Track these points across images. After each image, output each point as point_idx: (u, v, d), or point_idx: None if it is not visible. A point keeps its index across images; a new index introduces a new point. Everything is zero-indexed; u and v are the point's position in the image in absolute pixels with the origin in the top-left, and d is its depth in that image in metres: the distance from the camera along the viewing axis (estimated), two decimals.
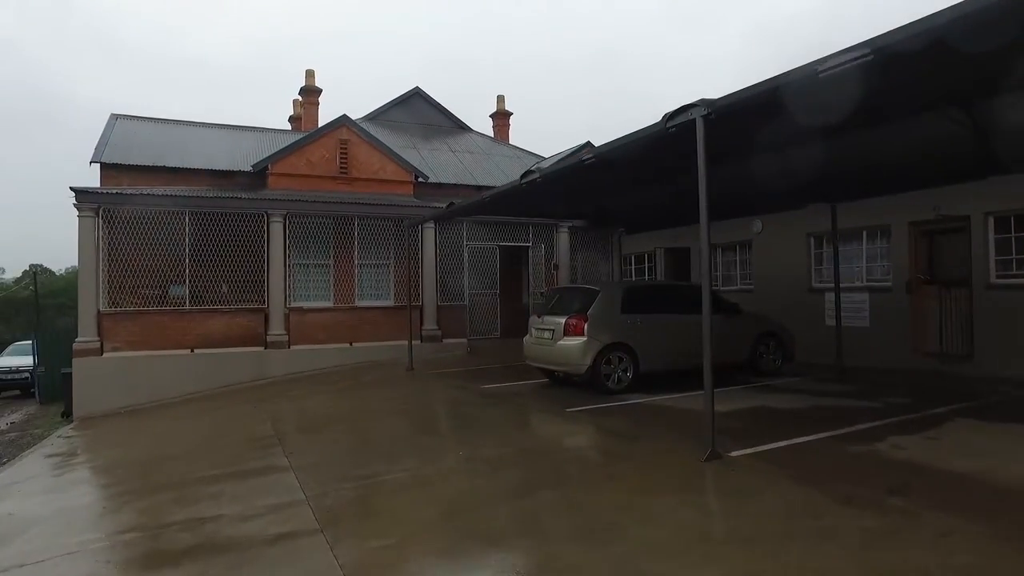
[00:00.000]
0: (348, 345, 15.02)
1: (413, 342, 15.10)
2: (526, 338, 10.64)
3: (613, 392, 9.31)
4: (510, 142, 25.37)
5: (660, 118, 6.35)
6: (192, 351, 13.49)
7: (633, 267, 18.56)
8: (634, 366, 9.50)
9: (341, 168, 16.94)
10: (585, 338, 9.23)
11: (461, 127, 24.84)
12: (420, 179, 18.34)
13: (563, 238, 17.99)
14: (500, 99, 26.44)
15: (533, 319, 10.53)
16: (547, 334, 9.85)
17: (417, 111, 23.78)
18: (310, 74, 22.22)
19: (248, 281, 14.20)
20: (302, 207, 14.76)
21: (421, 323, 15.93)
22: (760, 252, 14.30)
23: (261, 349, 14.07)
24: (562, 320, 9.52)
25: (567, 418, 7.98)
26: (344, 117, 17.03)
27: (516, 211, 15.13)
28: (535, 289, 17.85)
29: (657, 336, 9.70)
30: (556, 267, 17.71)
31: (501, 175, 20.14)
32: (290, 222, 14.71)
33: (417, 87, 23.88)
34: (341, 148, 16.93)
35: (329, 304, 15.27)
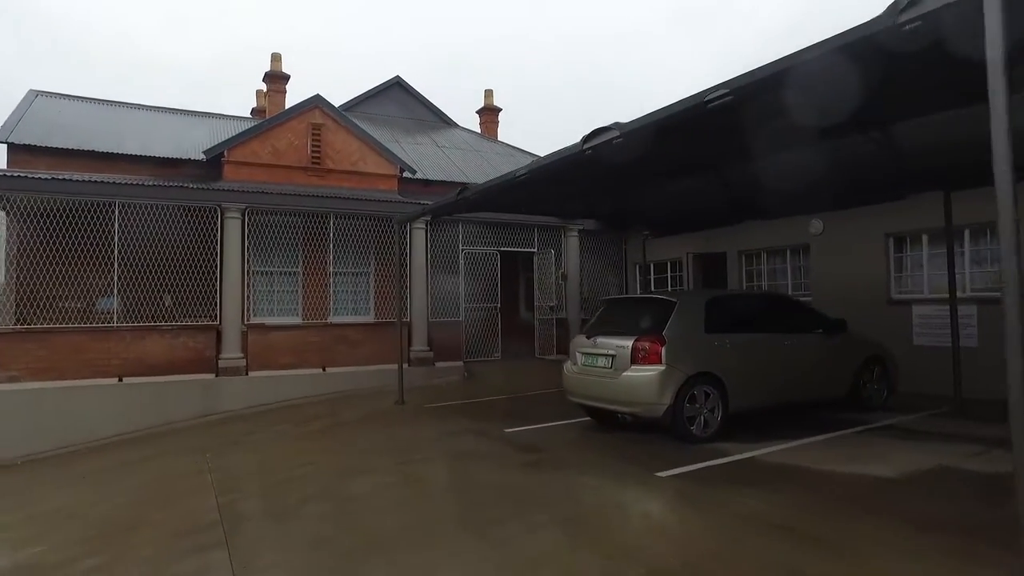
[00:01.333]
0: (320, 370, 12.23)
1: (403, 365, 12.43)
2: (567, 367, 8.04)
3: (699, 440, 6.79)
4: (499, 140, 22.90)
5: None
6: (120, 380, 10.55)
7: (652, 277, 16.16)
8: (722, 403, 7.00)
9: (313, 157, 14.19)
10: (663, 367, 6.69)
11: (446, 122, 22.28)
12: (406, 174, 15.69)
13: (572, 243, 15.51)
14: (488, 93, 23.99)
15: (578, 341, 7.93)
16: (603, 362, 7.27)
17: (397, 103, 21.14)
18: (276, 58, 19.35)
19: (196, 292, 11.33)
20: (265, 200, 11.97)
21: (409, 343, 13.22)
22: (820, 257, 12.00)
23: (211, 376, 11.18)
24: (627, 343, 6.96)
25: (669, 494, 5.33)
26: (317, 97, 14.31)
27: (525, 207, 12.58)
28: (542, 302, 15.28)
29: (751, 363, 7.25)
30: (564, 277, 15.21)
31: (494, 173, 17.50)
32: (250, 219, 11.92)
33: (397, 76, 21.26)
34: (313, 134, 14.18)
35: (297, 320, 12.48)
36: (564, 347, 15.10)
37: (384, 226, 13.11)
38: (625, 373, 6.89)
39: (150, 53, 79.89)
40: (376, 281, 13.47)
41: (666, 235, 14.29)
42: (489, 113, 23.80)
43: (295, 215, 12.38)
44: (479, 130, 23.28)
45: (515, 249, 14.97)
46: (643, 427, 7.31)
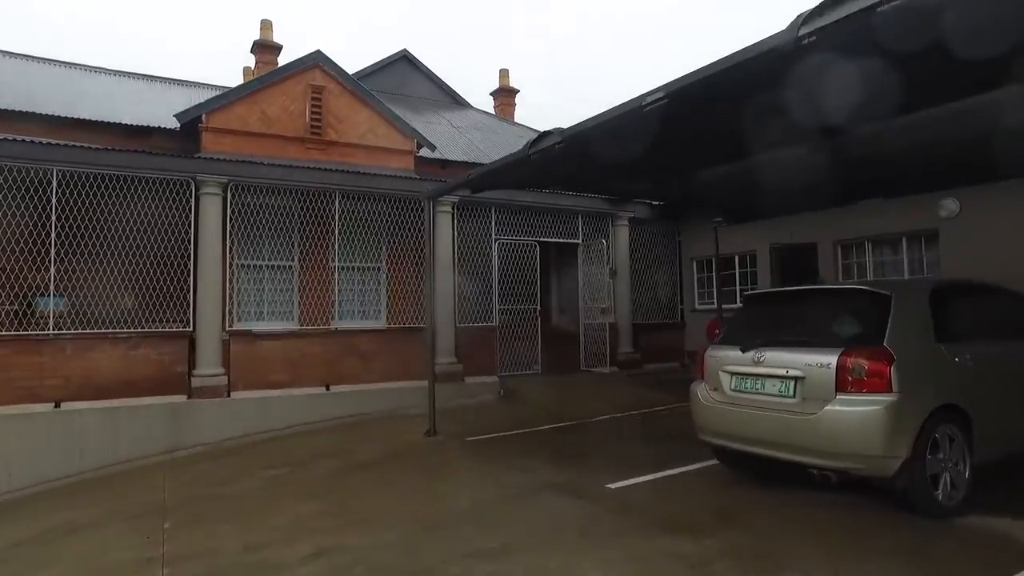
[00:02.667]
0: (323, 389, 9.62)
1: (422, 382, 9.91)
2: (702, 392, 5.46)
3: (947, 512, 4.27)
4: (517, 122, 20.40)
5: None
6: (57, 406, 7.90)
7: (713, 274, 13.64)
8: (968, 451, 4.46)
9: (312, 127, 11.63)
10: (894, 396, 4.15)
11: (458, 102, 19.76)
12: (423, 152, 13.14)
13: (622, 234, 12.99)
14: (504, 73, 21.53)
15: (724, 356, 5.31)
16: (778, 387, 4.72)
17: (404, 80, 18.59)
18: (266, 26, 16.74)
19: (164, 289, 8.72)
20: (252, 172, 9.36)
21: (432, 354, 10.63)
22: (954, 246, 9.52)
23: (181, 399, 8.54)
24: (828, 359, 4.39)
25: None
26: (319, 54, 11.75)
27: (589, 180, 10.08)
28: (590, 303, 12.73)
29: (1002, 388, 4.73)
30: (613, 273, 12.66)
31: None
32: (234, 198, 9.32)
33: (405, 50, 18.73)
34: (313, 98, 11.62)
35: (293, 326, 9.88)
36: (618, 358, 12.58)
37: (400, 210, 10.56)
38: (828, 407, 4.32)
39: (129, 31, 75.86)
40: (389, 278, 10.90)
41: (744, 222, 11.77)
42: (505, 95, 21.34)
43: (290, 195, 9.79)
44: (493, 113, 20.81)
45: (557, 240, 12.43)
46: (829, 482, 4.74)
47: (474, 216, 11.41)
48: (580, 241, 12.70)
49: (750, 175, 10.35)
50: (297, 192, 9.78)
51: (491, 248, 11.56)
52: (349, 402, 9.67)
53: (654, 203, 13.82)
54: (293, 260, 10.29)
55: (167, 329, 8.63)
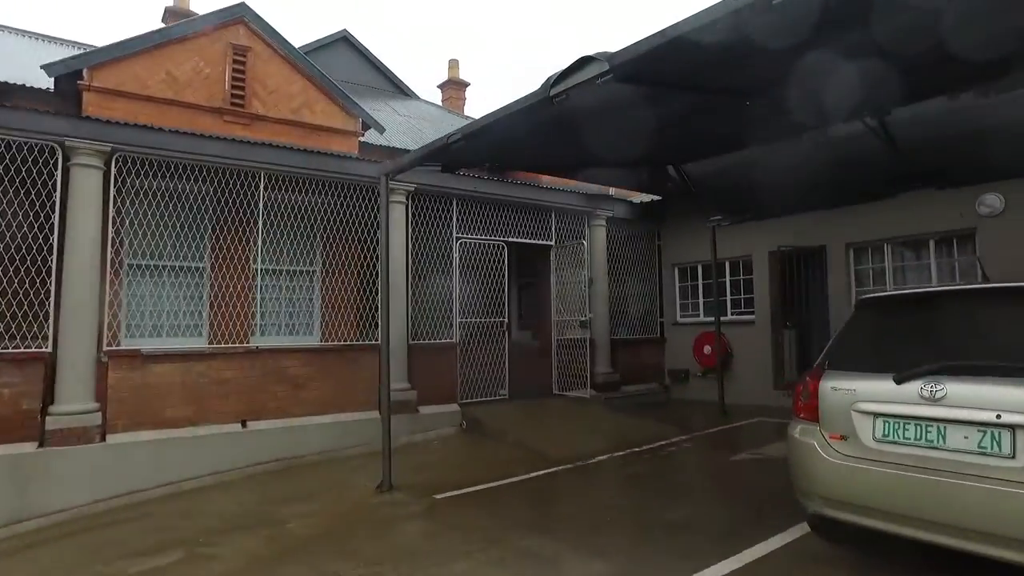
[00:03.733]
0: (239, 426, 7.39)
1: (368, 414, 7.97)
2: (816, 441, 3.66)
3: None
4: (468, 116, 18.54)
5: None
6: None
7: (698, 282, 12.10)
8: None
9: (234, 96, 9.42)
10: None
11: (404, 91, 17.75)
12: (367, 138, 11.08)
13: (599, 235, 11.29)
14: (453, 64, 19.68)
15: (867, 388, 3.51)
16: (981, 441, 2.99)
17: (344, 64, 16.40)
18: None
19: (9, 296, 6.33)
20: (147, 141, 7.09)
21: (380, 378, 8.57)
22: (997, 247, 8.26)
23: (29, 448, 6.14)
24: None
25: None
26: (242, 6, 9.55)
27: (560, 161, 8.30)
28: (566, 315, 10.93)
29: None
30: (590, 281, 10.92)
31: None
32: (122, 176, 7.03)
33: (345, 31, 16.56)
34: (236, 60, 9.41)
35: (200, 344, 7.63)
36: (595, 379, 10.80)
37: (341, 201, 8.49)
38: None
39: None
40: (326, 286, 8.78)
41: (743, 221, 10.26)
42: (454, 87, 19.48)
43: (202, 176, 7.54)
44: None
45: (527, 240, 10.58)
46: None
47: (432, 209, 9.44)
48: (553, 242, 10.91)
49: (748, 168, 8.89)
50: (210, 172, 7.54)
51: (452, 249, 9.61)
52: (274, 442, 7.48)
53: (635, 201, 12.22)
54: (203, 260, 8.05)
55: (12, 350, 6.23)
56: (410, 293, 9.07)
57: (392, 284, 8.65)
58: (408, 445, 8.13)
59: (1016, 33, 4.90)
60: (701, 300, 11.97)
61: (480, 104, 45.23)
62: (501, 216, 10.22)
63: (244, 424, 7.41)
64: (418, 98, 18.08)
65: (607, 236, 11.47)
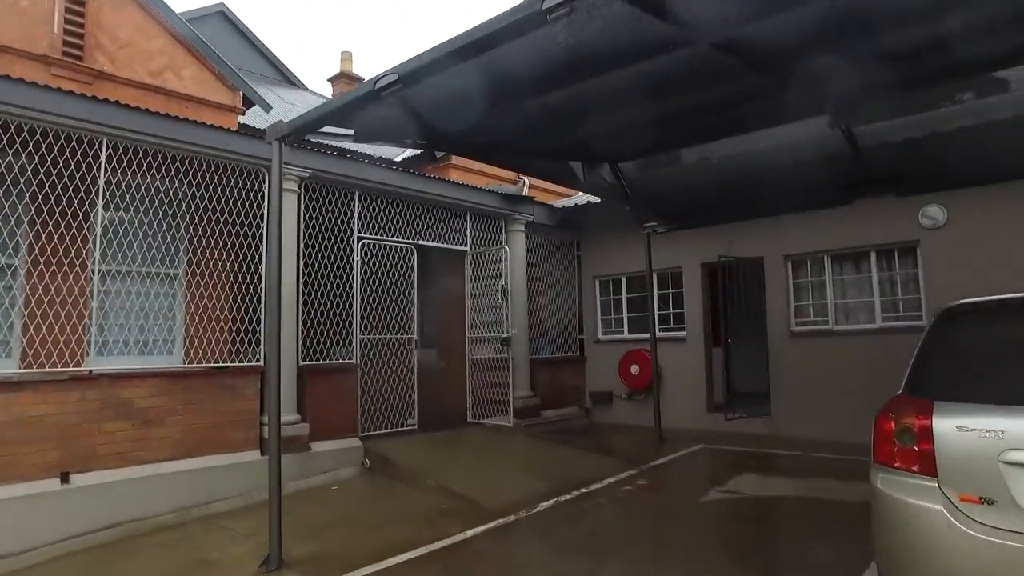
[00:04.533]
0: (58, 482, 5.37)
1: (245, 455, 6.27)
2: (946, 505, 2.55)
3: None
4: None
5: None
6: None
7: (624, 296, 11.16)
8: None
9: (68, 42, 7.33)
10: None
11: (290, 80, 15.80)
12: (248, 119, 9.23)
13: (517, 242, 10.08)
14: (346, 56, 17.91)
15: (1020, 430, 2.46)
16: None
17: (220, 42, 14.14)
18: None
19: None
20: None
21: (262, 407, 6.80)
22: (941, 261, 7.87)
23: None
24: None
25: None
26: None
27: (511, 138, 7.01)
28: (483, 331, 9.58)
29: None
30: (505, 293, 9.65)
31: (373, 146, 11.56)
32: None
33: (222, 4, 14.43)
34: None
35: (8, 369, 5.54)
36: (514, 404, 9.48)
37: (214, 186, 6.69)
38: None
39: None
40: (191, 292, 6.90)
41: (680, 228, 9.41)
42: (346, 81, 17.69)
43: (13, 141, 5.50)
44: None
45: (439, 244, 9.17)
46: None
47: (330, 203, 7.81)
48: (468, 248, 9.56)
49: (689, 170, 8.09)
50: (27, 136, 5.52)
51: (352, 251, 8.01)
52: (111, 501, 5.53)
53: (556, 205, 11.14)
54: (15, 257, 5.98)
55: None
56: (301, 303, 7.37)
57: (276, 290, 6.97)
58: (299, 494, 6.42)
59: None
60: (625, 315, 11.03)
61: None
62: (410, 215, 8.76)
63: (65, 479, 5.40)
64: (306, 88, 16.19)
65: (527, 243, 10.29)
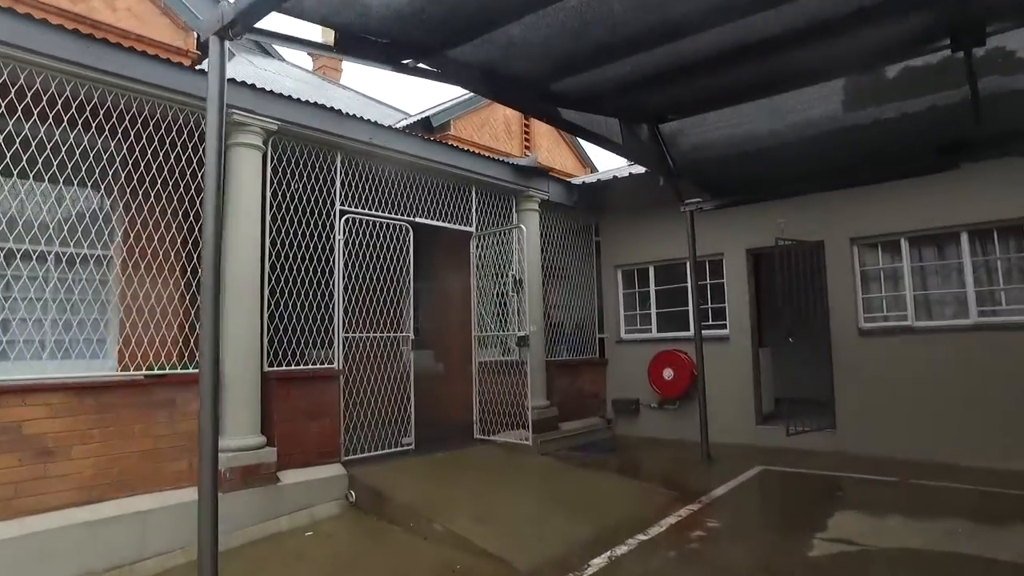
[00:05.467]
0: None
1: (194, 490, 4.46)
2: None
3: None
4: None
5: None
6: None
7: (652, 289, 9.61)
8: None
9: None
10: None
11: (263, 48, 14.10)
12: (206, 65, 7.56)
13: (531, 222, 8.51)
14: (328, 30, 16.19)
15: None
16: None
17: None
18: None
19: None
20: None
21: (215, 430, 5.17)
22: None
23: None
24: None
25: None
26: None
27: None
28: (491, 327, 8.02)
29: None
30: (519, 283, 8.08)
31: (372, 114, 9.84)
32: None
33: None
34: None
35: None
36: (529, 416, 7.90)
37: (160, 141, 5.07)
38: None
39: None
40: (128, 279, 5.25)
41: (739, 204, 7.85)
42: (329, 60, 16.03)
43: None
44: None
45: (440, 224, 7.58)
46: None
47: (306, 165, 6.21)
48: (475, 229, 7.97)
49: (742, 132, 6.60)
50: None
51: (334, 227, 6.39)
52: None
53: (574, 181, 9.59)
54: None
55: None
56: (267, 292, 5.74)
57: (231, 275, 5.35)
58: (262, 543, 4.80)
59: None
60: (653, 311, 9.49)
61: (357, 83, 40.65)
62: (406, 186, 7.17)
63: None
64: (283, 60, 14.51)
65: (541, 225, 8.73)
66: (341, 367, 6.26)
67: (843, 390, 7.60)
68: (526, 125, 12.27)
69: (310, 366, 6.05)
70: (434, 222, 7.48)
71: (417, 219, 7.24)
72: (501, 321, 8.15)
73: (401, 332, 7.04)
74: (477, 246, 8.03)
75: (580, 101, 5.80)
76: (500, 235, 8.00)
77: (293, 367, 5.88)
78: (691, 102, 6.12)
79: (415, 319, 7.28)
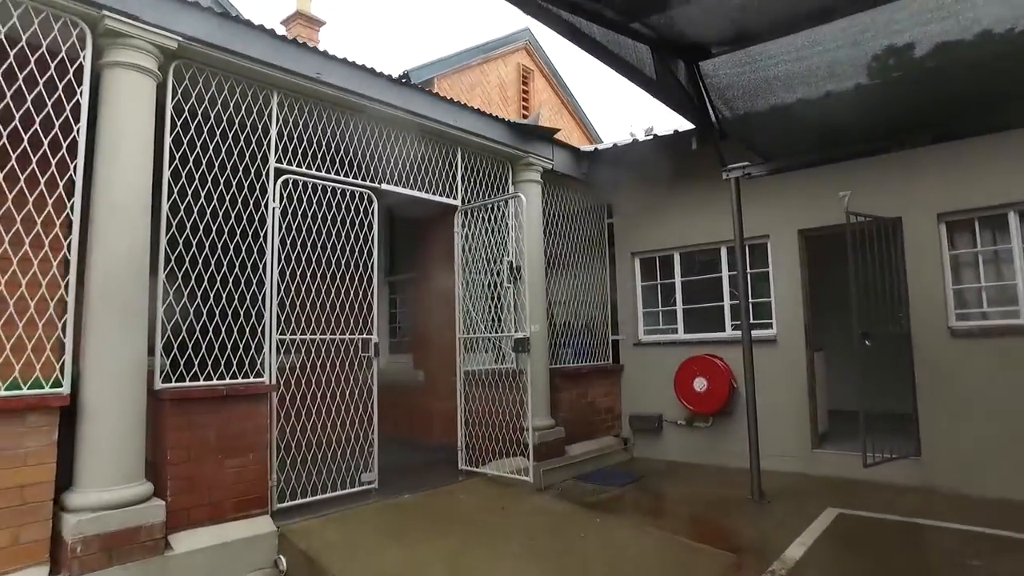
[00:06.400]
0: None
1: (35, 571, 2.76)
2: None
3: None
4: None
5: None
6: None
7: (678, 281, 7.93)
8: None
9: None
10: None
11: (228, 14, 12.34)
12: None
13: (531, 195, 6.81)
14: None
15: None
16: None
17: None
18: None
19: None
20: None
21: (70, 478, 3.52)
22: None
23: None
24: None
25: None
26: None
27: None
28: (475, 331, 6.34)
29: None
30: (517, 271, 6.38)
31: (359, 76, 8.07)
32: None
33: None
34: None
35: None
36: (535, 440, 6.21)
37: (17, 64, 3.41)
38: None
39: None
40: None
41: (802, 167, 6.14)
42: (304, 23, 14.34)
43: None
44: None
45: (415, 193, 5.89)
46: None
47: (226, 106, 4.52)
48: (460, 202, 6.29)
49: (800, 68, 5.00)
50: None
51: (267, 192, 4.71)
52: None
53: (584, 148, 7.92)
54: None
55: None
56: (164, 280, 4.06)
57: (105, 253, 3.67)
58: None
59: None
60: (679, 307, 7.82)
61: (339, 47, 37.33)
62: (370, 143, 5.48)
63: None
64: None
65: (544, 199, 7.07)
66: (273, 381, 4.57)
67: (929, 406, 5.96)
68: (524, 89, 10.57)
69: (227, 381, 4.36)
70: (407, 190, 5.79)
71: (384, 186, 5.56)
72: (494, 320, 6.47)
73: (363, 334, 5.35)
74: (463, 223, 6.34)
75: (603, 18, 4.17)
76: (492, 209, 6.32)
77: (201, 383, 4.19)
78: (743, 28, 4.50)
79: (382, 316, 5.60)
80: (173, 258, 4.15)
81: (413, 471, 5.72)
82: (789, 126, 5.70)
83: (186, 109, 4.31)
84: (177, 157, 4.19)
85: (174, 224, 4.15)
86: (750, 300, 7.13)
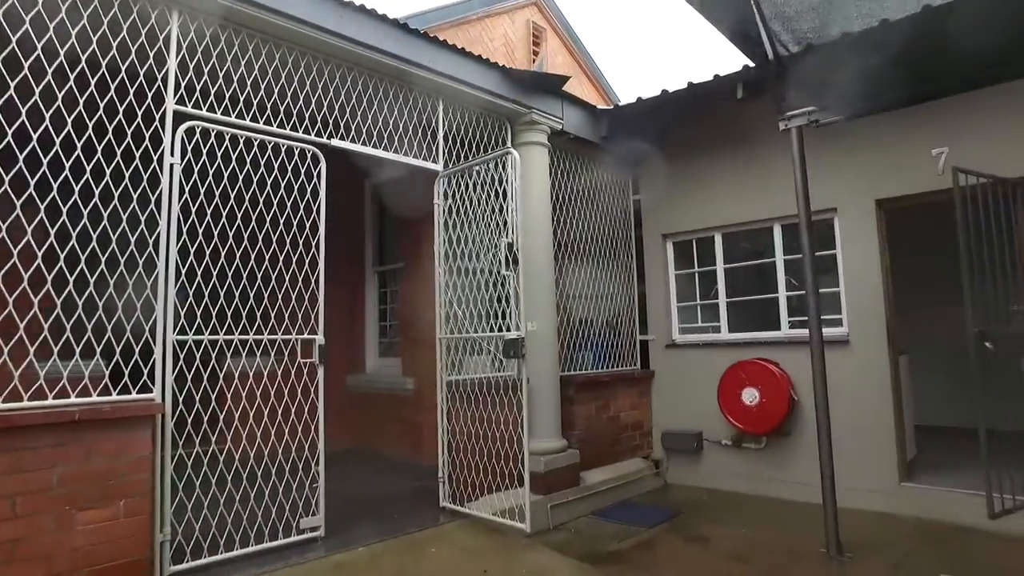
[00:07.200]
0: None
1: None
2: None
3: None
4: None
5: None
6: None
7: (720, 268, 6.49)
8: None
9: None
10: None
11: None
12: None
13: (536, 159, 5.45)
14: None
15: None
16: None
17: None
18: None
19: None
20: None
21: None
22: None
23: None
24: None
25: None
26: None
27: None
28: (459, 330, 4.99)
29: None
30: (514, 253, 5.01)
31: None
32: None
33: None
34: None
35: None
36: (540, 469, 4.83)
37: None
38: None
39: None
40: None
41: (885, 110, 4.68)
42: None
43: None
44: None
45: (380, 154, 4.59)
46: None
47: (115, 23, 3.28)
48: (442, 166, 4.97)
49: None
50: None
51: (162, 145, 3.46)
52: None
53: (601, 107, 6.54)
54: None
55: None
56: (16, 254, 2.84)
57: None
58: None
59: None
60: (723, 301, 6.36)
61: None
62: (316, 87, 4.21)
63: None
64: None
65: (552, 168, 5.72)
66: (164, 397, 3.33)
67: None
68: (535, 50, 9.21)
69: (87, 399, 3.12)
70: (368, 149, 4.50)
71: (335, 142, 4.28)
72: (494, 316, 5.14)
73: (303, 333, 4.07)
74: (446, 193, 5.02)
75: None
76: (483, 173, 4.99)
77: (34, 404, 2.96)
78: None
79: (330, 312, 4.33)
80: (5, 226, 2.93)
81: (382, 506, 4.44)
82: (868, 60, 4.22)
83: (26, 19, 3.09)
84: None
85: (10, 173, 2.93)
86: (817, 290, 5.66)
